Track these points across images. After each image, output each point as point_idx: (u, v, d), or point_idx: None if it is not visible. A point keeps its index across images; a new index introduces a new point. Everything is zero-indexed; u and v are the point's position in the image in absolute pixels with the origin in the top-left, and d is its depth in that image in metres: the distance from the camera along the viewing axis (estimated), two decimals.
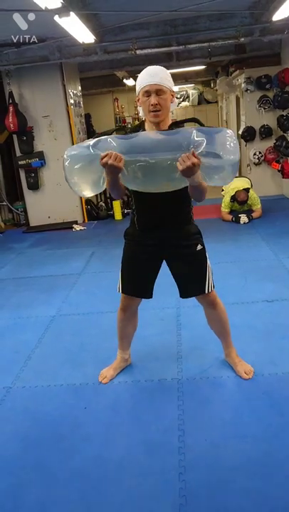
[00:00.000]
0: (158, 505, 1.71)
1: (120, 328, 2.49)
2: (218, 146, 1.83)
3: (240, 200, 5.81)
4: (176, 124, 2.09)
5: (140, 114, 2.10)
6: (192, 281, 2.28)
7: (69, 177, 1.98)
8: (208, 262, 2.27)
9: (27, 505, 1.78)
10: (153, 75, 1.96)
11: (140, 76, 2.01)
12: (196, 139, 1.81)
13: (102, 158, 1.83)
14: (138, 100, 2.05)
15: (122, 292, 2.35)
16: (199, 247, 2.24)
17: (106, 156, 1.82)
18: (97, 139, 1.93)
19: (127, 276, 2.32)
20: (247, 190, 5.81)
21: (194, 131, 1.84)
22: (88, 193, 2.08)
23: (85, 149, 1.92)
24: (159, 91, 1.94)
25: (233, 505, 1.68)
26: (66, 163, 1.96)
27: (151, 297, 2.37)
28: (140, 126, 2.13)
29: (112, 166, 1.83)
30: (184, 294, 2.32)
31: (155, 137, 1.91)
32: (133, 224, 2.28)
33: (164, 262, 2.32)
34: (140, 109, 2.07)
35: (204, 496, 1.73)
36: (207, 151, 1.81)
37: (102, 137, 1.93)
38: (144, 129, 2.09)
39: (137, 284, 2.33)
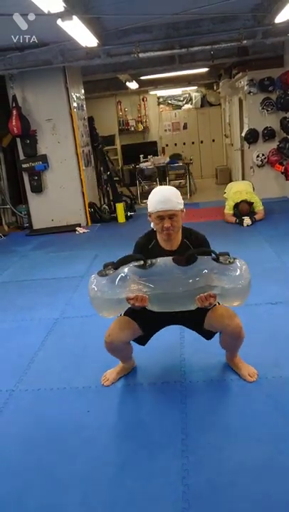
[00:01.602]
0: (161, 508, 1.71)
1: (114, 355, 2.43)
2: (231, 283, 2.05)
3: (243, 212, 5.80)
4: (187, 236, 2.24)
5: (151, 226, 2.23)
6: (200, 311, 2.23)
7: (95, 307, 2.17)
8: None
9: (30, 508, 1.77)
10: (166, 201, 2.10)
11: (153, 199, 2.14)
12: (213, 283, 2.02)
13: (128, 299, 2.01)
14: (150, 216, 2.17)
15: (126, 314, 2.28)
16: None
17: (133, 299, 2.00)
18: (120, 274, 2.05)
19: (136, 311, 2.24)
20: (249, 203, 5.81)
21: (208, 269, 2.03)
22: (110, 316, 2.25)
23: (110, 289, 2.06)
24: (172, 215, 2.09)
25: (237, 509, 1.67)
26: (93, 297, 2.11)
27: (144, 344, 2.41)
28: (152, 236, 2.25)
29: (138, 307, 2.03)
30: (200, 323, 2.31)
31: (174, 270, 2.05)
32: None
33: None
34: (151, 223, 2.21)
35: (207, 499, 1.72)
36: (222, 289, 2.04)
37: (125, 271, 2.06)
38: (156, 241, 2.25)
39: (144, 319, 2.28)
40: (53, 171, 6.73)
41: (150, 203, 2.16)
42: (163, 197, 2.11)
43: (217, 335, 2.38)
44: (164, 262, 2.08)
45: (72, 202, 6.79)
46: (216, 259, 2.06)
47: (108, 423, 2.22)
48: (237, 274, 2.06)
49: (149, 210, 2.17)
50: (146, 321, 2.30)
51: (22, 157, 6.71)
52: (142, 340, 2.41)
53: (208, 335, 2.39)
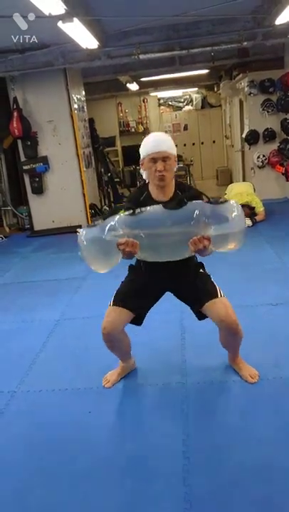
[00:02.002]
0: (162, 509, 1.71)
1: (114, 350, 2.44)
2: (224, 223, 1.96)
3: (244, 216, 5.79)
4: (180, 188, 2.20)
5: (144, 177, 2.18)
6: (201, 292, 2.26)
7: (86, 259, 2.12)
8: (212, 279, 2.32)
9: (31, 508, 1.78)
10: (160, 143, 2.07)
11: (146, 143, 2.11)
12: (204, 220, 1.94)
13: (119, 244, 1.96)
14: (142, 164, 2.13)
15: (115, 304, 2.28)
16: (201, 271, 2.33)
17: (124, 243, 1.95)
18: (110, 223, 2.01)
19: (125, 292, 2.30)
20: (251, 207, 5.81)
21: (200, 211, 1.96)
22: (103, 271, 2.19)
23: (100, 235, 2.01)
24: (165, 158, 2.05)
25: (238, 510, 1.67)
26: (83, 247, 2.06)
27: (140, 324, 2.38)
28: (144, 188, 2.21)
29: (129, 252, 1.97)
30: (198, 304, 2.29)
31: (164, 214, 2.00)
32: (139, 265, 2.32)
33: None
34: (144, 173, 2.16)
35: (209, 500, 1.72)
36: (215, 230, 1.95)
37: (115, 219, 2.01)
38: (148, 192, 2.18)
39: (134, 301, 2.29)
40: (53, 172, 6.74)
41: (143, 149, 2.10)
42: (156, 140, 2.08)
43: (216, 330, 2.37)
44: (153, 208, 2.03)
45: (73, 203, 6.80)
46: (208, 202, 2.02)
47: (109, 424, 2.22)
48: (230, 212, 1.98)
49: (142, 155, 2.10)
50: (136, 301, 2.30)
51: (23, 159, 6.72)
52: (137, 321, 2.37)
53: (200, 315, 2.35)
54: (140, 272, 2.32)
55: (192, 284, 2.29)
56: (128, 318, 2.30)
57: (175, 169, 2.14)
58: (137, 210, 2.00)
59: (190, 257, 2.24)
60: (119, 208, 2.12)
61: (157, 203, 2.10)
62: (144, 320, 2.39)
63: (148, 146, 2.09)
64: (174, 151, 2.10)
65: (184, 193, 2.14)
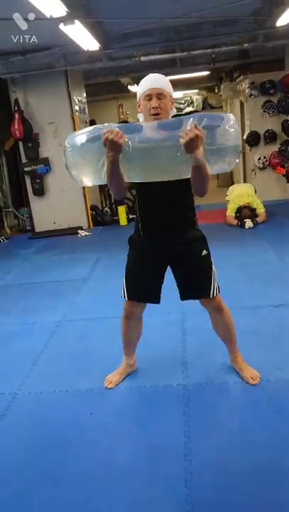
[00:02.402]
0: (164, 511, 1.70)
1: (125, 335, 2.48)
2: (218, 122, 1.87)
3: (245, 217, 5.80)
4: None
5: (140, 120, 2.11)
6: (195, 285, 2.28)
7: (69, 161, 2.01)
8: (214, 267, 2.27)
9: (33, 510, 1.77)
10: (155, 80, 2.03)
11: (142, 82, 2.07)
12: (196, 117, 1.85)
13: (103, 135, 1.83)
14: (139, 106, 2.09)
15: (127, 298, 2.34)
16: (204, 252, 2.24)
17: (107, 132, 1.83)
18: (95, 126, 1.97)
19: (132, 282, 2.31)
20: (252, 209, 5.82)
21: (195, 114, 1.90)
22: (87, 180, 2.08)
23: (86, 131, 1.97)
24: (160, 95, 2.00)
25: None
26: (68, 146, 2.00)
27: (158, 302, 2.35)
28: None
29: (113, 142, 1.82)
30: (185, 295, 2.30)
31: (156, 122, 1.95)
32: (137, 230, 2.28)
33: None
34: (140, 116, 2.10)
35: (210, 503, 1.72)
36: (208, 124, 1.83)
37: (102, 126, 1.94)
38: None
39: (143, 289, 2.32)
40: (55, 174, 6.76)
41: (139, 88, 2.06)
42: (152, 78, 2.04)
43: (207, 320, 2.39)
44: (147, 124, 1.98)
45: (74, 205, 6.81)
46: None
47: (111, 425, 2.22)
48: (224, 118, 1.91)
49: (138, 95, 2.07)
50: (147, 291, 2.31)
51: (24, 160, 6.73)
52: (155, 300, 2.35)
53: (185, 293, 2.31)
54: (140, 244, 2.26)
55: (192, 271, 2.25)
56: (143, 306, 2.38)
57: (172, 111, 2.08)
58: (131, 121, 1.97)
59: (187, 214, 2.19)
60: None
61: None
62: (160, 297, 2.36)
63: (143, 83, 2.04)
64: (169, 89, 2.04)
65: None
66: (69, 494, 1.83)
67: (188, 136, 1.77)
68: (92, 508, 1.76)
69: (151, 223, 2.21)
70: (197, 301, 2.34)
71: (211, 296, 2.25)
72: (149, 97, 2.00)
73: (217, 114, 2.03)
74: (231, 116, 1.94)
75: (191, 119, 1.84)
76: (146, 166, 1.98)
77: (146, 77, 2.07)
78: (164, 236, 2.19)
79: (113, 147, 1.85)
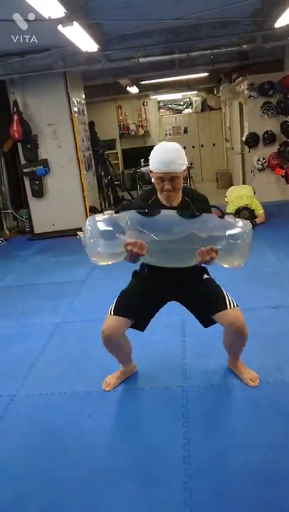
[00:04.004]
0: None
1: (113, 354, 2.44)
2: (234, 241, 2.01)
3: (244, 219, 5.78)
4: (188, 194, 2.17)
5: (152, 181, 2.13)
6: (208, 301, 2.24)
7: (88, 248, 2.03)
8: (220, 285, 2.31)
9: None
10: (168, 163, 2.00)
11: (155, 157, 2.04)
12: (215, 234, 1.97)
13: (127, 244, 1.91)
14: (151, 172, 2.09)
15: (115, 313, 2.25)
16: (205, 276, 2.31)
17: (131, 244, 1.90)
18: (120, 218, 1.96)
19: (125, 300, 2.27)
20: (250, 211, 5.81)
21: (212, 223, 1.98)
22: (101, 263, 2.13)
23: (109, 228, 1.96)
24: (173, 177, 2.02)
25: None
26: (88, 235, 1.99)
27: (142, 330, 2.36)
28: (152, 191, 2.18)
29: (136, 254, 1.92)
30: (205, 319, 2.29)
31: (177, 221, 1.97)
32: (143, 271, 2.30)
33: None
34: (153, 179, 2.12)
35: (210, 505, 1.71)
36: (224, 246, 1.98)
37: (124, 215, 1.96)
38: (156, 196, 2.15)
39: (135, 309, 2.28)
40: (54, 175, 6.75)
41: (152, 161, 2.05)
42: (165, 158, 2.00)
43: (220, 331, 2.35)
44: (168, 212, 2.00)
45: (73, 206, 6.80)
46: (221, 217, 2.01)
47: (109, 428, 2.21)
48: (241, 230, 2.01)
49: (151, 168, 2.08)
50: (138, 311, 2.29)
51: (23, 162, 6.72)
52: (140, 326, 2.35)
53: (206, 322, 2.33)
54: (143, 278, 2.30)
55: (196, 291, 2.26)
56: (127, 326, 2.30)
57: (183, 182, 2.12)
58: (151, 211, 1.96)
59: (197, 271, 2.25)
60: (133, 203, 2.05)
61: (166, 207, 2.09)
62: (147, 326, 2.38)
63: (156, 162, 2.02)
64: (183, 167, 2.04)
65: (195, 203, 2.11)
66: (68, 497, 1.82)
67: (204, 258, 1.93)
68: (91, 510, 1.75)
69: (158, 274, 2.22)
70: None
71: (229, 306, 2.22)
72: (161, 179, 2.03)
73: (239, 229, 2.04)
74: (248, 229, 2.04)
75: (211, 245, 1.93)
76: (160, 261, 2.09)
77: (159, 151, 2.04)
78: (170, 285, 2.25)
79: (135, 256, 1.97)
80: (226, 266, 2.09)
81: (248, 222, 2.08)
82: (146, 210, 1.96)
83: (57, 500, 1.81)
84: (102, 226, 1.96)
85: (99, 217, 2.00)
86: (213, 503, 1.71)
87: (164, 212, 2.00)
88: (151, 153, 2.07)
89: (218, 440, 2.03)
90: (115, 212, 1.98)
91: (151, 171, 2.10)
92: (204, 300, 2.26)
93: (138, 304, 2.28)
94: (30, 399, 2.51)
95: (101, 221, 1.97)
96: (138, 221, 1.94)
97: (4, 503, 1.82)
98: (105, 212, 1.99)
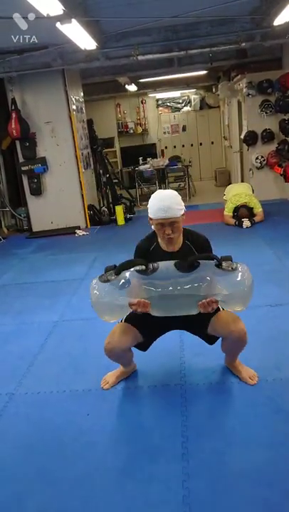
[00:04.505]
0: None
1: (119, 362, 2.46)
2: (234, 291, 2.06)
3: (243, 216, 5.79)
4: (188, 237, 2.22)
5: (152, 228, 2.20)
6: (202, 315, 2.21)
7: (96, 311, 2.15)
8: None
9: None
10: (167, 210, 2.07)
11: (153, 206, 2.11)
12: (215, 289, 2.03)
13: (131, 304, 2.02)
14: (150, 219, 2.15)
15: (126, 320, 2.28)
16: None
17: (135, 304, 2.01)
18: (121, 281, 2.05)
19: (136, 317, 2.24)
20: (249, 208, 5.81)
21: (211, 277, 2.03)
22: (111, 321, 2.24)
23: (113, 297, 2.06)
24: (173, 222, 2.08)
25: None
26: (94, 302, 2.10)
27: (145, 350, 2.41)
28: (152, 238, 2.24)
29: (140, 313, 2.03)
30: (204, 327, 2.29)
31: (176, 276, 2.04)
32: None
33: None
34: (153, 226, 2.19)
35: (208, 504, 1.71)
36: (225, 296, 2.04)
37: (126, 276, 2.05)
38: (157, 243, 2.23)
39: (144, 326, 2.28)
40: (52, 173, 6.73)
41: (151, 209, 2.13)
42: (163, 205, 2.07)
43: (219, 339, 2.37)
44: (166, 267, 2.06)
45: (71, 204, 6.79)
46: (219, 265, 2.05)
47: (108, 426, 2.21)
48: (239, 279, 2.05)
49: (150, 215, 2.15)
50: (147, 327, 2.29)
51: (21, 160, 6.71)
52: (142, 347, 2.40)
53: (211, 340, 2.37)
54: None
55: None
56: (136, 340, 2.31)
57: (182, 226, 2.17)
58: (150, 268, 2.03)
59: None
60: (132, 262, 2.12)
61: (167, 254, 2.18)
62: (149, 347, 2.41)
63: (155, 210, 2.10)
64: (181, 212, 2.10)
65: (196, 255, 2.15)
66: (66, 496, 1.82)
67: (206, 309, 2.00)
68: (89, 509, 1.75)
69: (162, 318, 2.22)
70: None
71: (221, 308, 2.22)
72: (162, 224, 2.10)
73: (237, 278, 2.07)
74: (247, 277, 2.07)
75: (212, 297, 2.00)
76: (162, 313, 2.14)
77: (156, 200, 2.11)
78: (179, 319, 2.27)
79: (140, 314, 2.07)
80: (228, 309, 2.20)
81: (246, 268, 2.11)
82: (144, 267, 2.04)
83: (55, 498, 1.81)
84: (104, 293, 2.07)
85: (100, 283, 2.08)
86: (212, 502, 1.71)
87: (162, 266, 2.06)
88: (150, 201, 2.15)
89: (217, 438, 2.03)
90: (116, 273, 2.06)
91: (150, 219, 2.16)
92: (199, 318, 2.21)
93: (147, 323, 2.27)
94: (28, 397, 2.51)
95: (103, 287, 2.07)
96: (138, 280, 2.05)
97: (3, 502, 1.82)
98: (106, 274, 2.08)
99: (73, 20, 3.81)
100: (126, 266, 2.08)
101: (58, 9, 3.50)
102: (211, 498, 1.73)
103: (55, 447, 2.09)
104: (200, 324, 2.30)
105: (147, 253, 2.21)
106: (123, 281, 2.05)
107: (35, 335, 3.27)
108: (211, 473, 1.84)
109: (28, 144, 6.58)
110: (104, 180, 7.48)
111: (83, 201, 6.87)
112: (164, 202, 2.09)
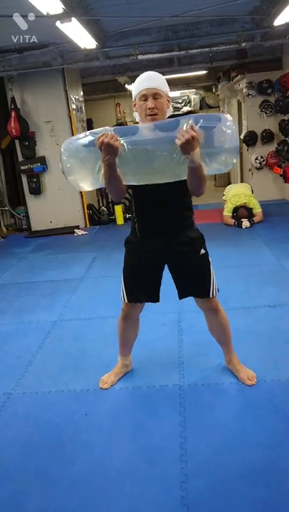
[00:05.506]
0: None
1: (122, 335, 2.47)
2: (215, 123, 1.84)
3: (242, 217, 5.78)
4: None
5: (137, 119, 2.09)
6: (194, 284, 2.26)
7: (65, 167, 2.00)
8: (212, 267, 2.26)
9: None
10: (150, 79, 1.99)
11: (137, 81, 2.04)
12: (193, 118, 1.83)
13: (98, 139, 1.82)
14: (135, 105, 2.06)
15: (127, 301, 2.31)
16: (202, 251, 2.22)
17: (102, 135, 1.81)
18: (91, 131, 1.95)
19: (131, 285, 2.29)
20: (248, 209, 5.81)
21: (191, 115, 1.88)
22: (84, 184, 2.08)
23: (81, 136, 1.95)
24: (156, 95, 1.97)
25: None
26: (63, 152, 2.00)
27: (158, 301, 2.33)
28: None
29: (109, 145, 1.80)
30: (183, 294, 2.28)
31: (152, 123, 1.93)
32: (134, 231, 2.25)
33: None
34: (136, 115, 2.07)
35: (206, 504, 1.71)
36: (205, 125, 1.80)
37: (102, 130, 1.91)
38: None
39: (142, 290, 2.30)
40: (51, 172, 6.73)
41: (134, 87, 2.03)
42: (147, 76, 2.00)
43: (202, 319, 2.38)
44: (142, 124, 1.96)
45: (70, 204, 6.79)
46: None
47: (106, 426, 2.20)
48: (222, 119, 1.87)
49: (134, 94, 2.03)
50: (146, 292, 2.30)
51: (21, 159, 6.70)
52: (154, 300, 2.34)
53: (182, 296, 2.30)
54: (137, 245, 2.23)
55: (187, 266, 2.22)
56: (142, 305, 2.38)
57: (168, 113, 2.04)
58: (128, 121, 1.94)
59: (184, 214, 2.17)
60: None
61: None
62: (159, 296, 2.33)
63: (139, 82, 2.01)
64: (165, 88, 2.01)
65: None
66: (64, 496, 1.81)
67: (184, 137, 1.74)
68: (87, 509, 1.74)
69: (149, 224, 2.18)
70: (194, 301, 2.33)
71: (211, 295, 2.24)
72: (144, 97, 1.97)
73: (214, 115, 2.03)
74: (229, 116, 1.91)
75: (189, 120, 1.81)
76: (143, 168, 1.95)
77: (141, 76, 2.04)
78: (161, 236, 2.17)
79: (109, 151, 1.82)
80: (214, 169, 1.93)
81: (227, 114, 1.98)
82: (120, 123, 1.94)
83: (53, 498, 1.81)
84: (75, 139, 1.98)
85: (70, 138, 2.03)
86: (210, 502, 1.71)
87: (139, 125, 1.97)
88: (134, 83, 2.06)
89: (215, 439, 2.03)
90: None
91: (134, 104, 2.05)
92: (191, 279, 2.25)
93: (144, 284, 2.28)
94: (26, 397, 2.50)
95: (73, 139, 2.00)
96: (112, 130, 1.88)
97: (1, 501, 1.82)
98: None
99: (73, 19, 3.80)
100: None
101: (58, 8, 3.49)
102: (210, 499, 1.72)
103: (54, 447, 2.09)
104: (184, 284, 2.27)
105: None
106: (94, 131, 1.91)
107: (33, 334, 3.26)
108: (210, 474, 1.84)
109: (27, 143, 6.57)
110: None
111: (82, 201, 6.86)
112: (148, 74, 2.02)
